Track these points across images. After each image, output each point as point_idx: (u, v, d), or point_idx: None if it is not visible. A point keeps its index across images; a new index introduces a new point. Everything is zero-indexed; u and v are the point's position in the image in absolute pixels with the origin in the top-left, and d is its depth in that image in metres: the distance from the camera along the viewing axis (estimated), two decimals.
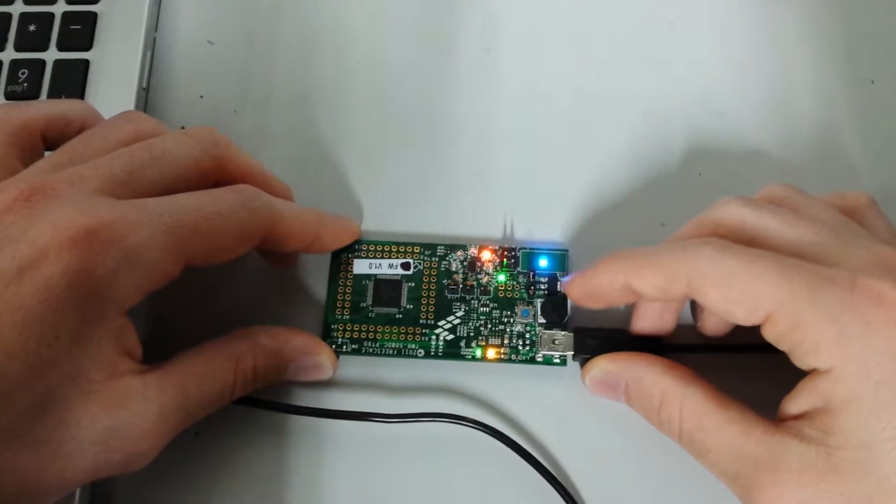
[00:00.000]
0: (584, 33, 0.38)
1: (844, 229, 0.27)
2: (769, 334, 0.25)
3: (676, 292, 0.26)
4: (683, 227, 0.29)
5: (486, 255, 0.33)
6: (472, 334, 0.32)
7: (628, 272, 0.27)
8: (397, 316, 0.32)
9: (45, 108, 0.30)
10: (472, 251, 0.33)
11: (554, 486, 0.29)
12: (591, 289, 0.29)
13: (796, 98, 0.37)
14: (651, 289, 0.27)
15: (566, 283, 0.30)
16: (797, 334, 0.24)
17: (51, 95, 0.36)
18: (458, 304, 0.32)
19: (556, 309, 0.31)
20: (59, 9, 0.38)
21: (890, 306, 0.23)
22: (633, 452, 0.31)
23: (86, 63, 0.37)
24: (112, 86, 0.37)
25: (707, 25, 0.38)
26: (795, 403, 0.25)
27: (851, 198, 0.30)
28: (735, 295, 0.25)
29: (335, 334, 0.32)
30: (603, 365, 0.29)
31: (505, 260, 0.33)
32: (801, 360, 0.24)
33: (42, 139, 0.30)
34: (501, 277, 0.32)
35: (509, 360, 0.31)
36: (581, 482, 0.30)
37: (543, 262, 0.32)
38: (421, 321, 0.32)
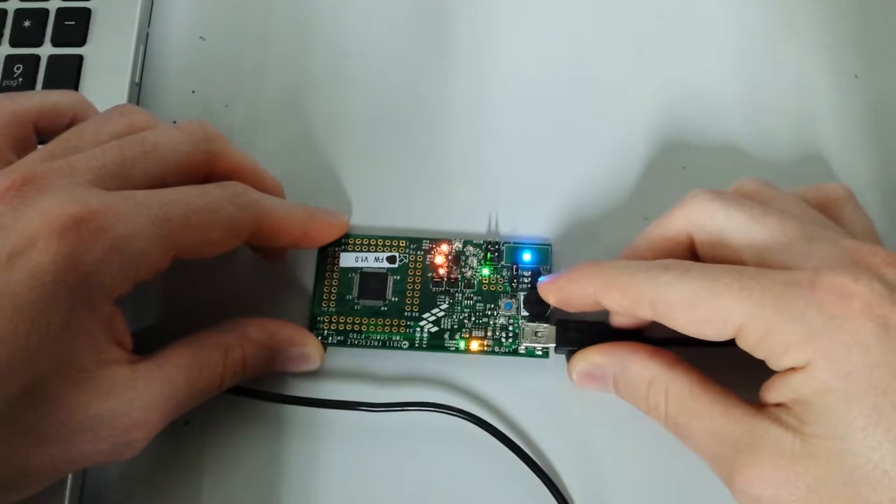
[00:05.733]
0: (573, 26, 0.39)
1: (812, 224, 0.27)
2: (743, 345, 0.25)
3: (643, 315, 0.27)
4: (654, 223, 0.30)
5: (471, 249, 0.33)
6: (456, 327, 0.32)
7: (597, 289, 0.28)
8: (382, 308, 0.32)
9: (37, 99, 0.30)
10: (457, 245, 0.33)
11: (536, 473, 0.30)
12: (562, 297, 0.30)
13: (780, 92, 0.37)
14: (619, 308, 0.28)
15: (539, 285, 0.31)
16: (768, 342, 0.24)
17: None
18: (443, 296, 0.33)
19: (539, 302, 0.31)
20: (53, 5, 0.38)
21: (852, 298, 0.23)
22: (615, 440, 0.31)
23: (79, 58, 0.37)
24: (105, 81, 0.37)
25: (694, 20, 0.39)
26: (772, 393, 0.25)
27: (828, 189, 0.30)
28: (701, 316, 0.25)
29: (321, 326, 0.32)
30: (589, 357, 0.30)
31: (489, 254, 0.33)
32: (777, 364, 0.25)
33: (34, 130, 0.30)
34: (485, 271, 0.33)
35: (492, 353, 0.32)
36: (563, 469, 0.31)
37: (527, 257, 0.33)
38: (406, 313, 0.32)
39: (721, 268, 0.26)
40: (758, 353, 0.25)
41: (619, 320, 0.30)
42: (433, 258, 0.33)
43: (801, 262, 0.25)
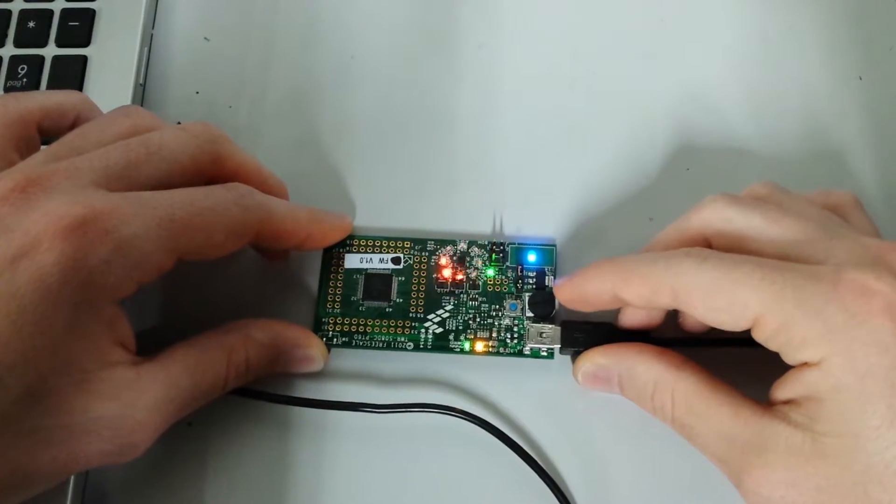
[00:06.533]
0: (576, 30, 0.39)
1: (830, 224, 0.27)
2: (758, 336, 0.25)
3: (662, 303, 0.27)
4: (670, 226, 0.30)
5: (476, 250, 0.33)
6: (460, 328, 0.32)
7: (615, 282, 0.28)
8: (387, 309, 0.32)
9: (40, 99, 0.30)
10: (462, 246, 0.33)
11: (539, 475, 0.30)
12: (579, 295, 0.30)
13: (784, 94, 0.37)
14: (638, 299, 0.28)
15: (556, 286, 0.31)
16: (784, 334, 0.24)
17: None
18: (448, 297, 0.32)
19: (544, 303, 0.31)
20: (58, 6, 0.38)
21: (873, 297, 0.23)
22: (620, 442, 0.31)
23: (84, 59, 0.37)
24: (109, 81, 0.37)
25: (697, 22, 0.39)
26: (784, 390, 0.25)
27: (836, 196, 0.30)
28: (720, 304, 0.25)
29: (326, 327, 0.32)
30: (594, 359, 0.30)
31: (494, 255, 0.33)
32: (792, 358, 0.25)
33: (38, 130, 0.30)
34: (490, 272, 0.33)
35: (497, 354, 0.32)
36: (566, 470, 0.31)
37: (532, 257, 0.33)
38: (410, 314, 0.32)
39: (743, 257, 0.25)
40: (772, 346, 0.25)
41: (627, 320, 0.30)
42: (438, 259, 0.33)
43: (822, 259, 0.25)
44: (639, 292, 0.27)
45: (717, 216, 0.28)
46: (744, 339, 0.26)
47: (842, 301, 0.23)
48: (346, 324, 0.32)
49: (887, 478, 0.23)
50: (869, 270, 0.24)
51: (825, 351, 0.24)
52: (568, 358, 0.32)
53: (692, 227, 0.29)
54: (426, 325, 0.32)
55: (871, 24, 0.38)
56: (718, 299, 0.25)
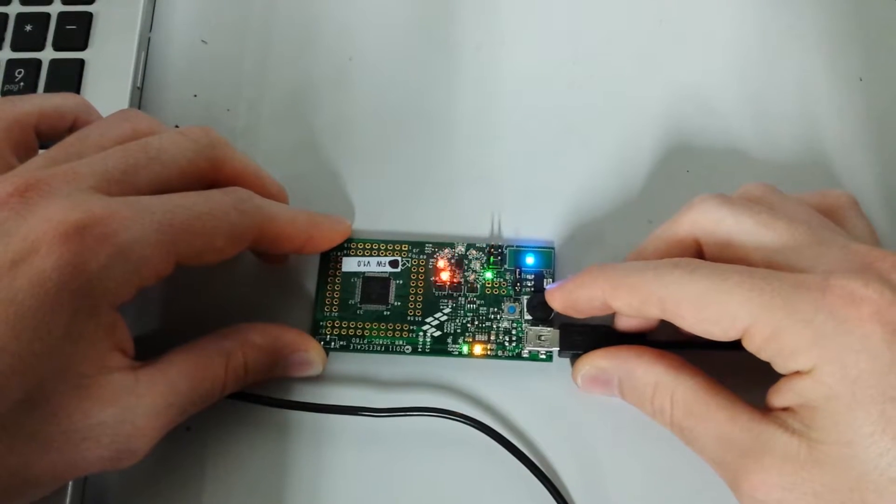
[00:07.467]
0: (574, 31, 0.39)
1: (820, 229, 0.27)
2: (749, 346, 0.25)
3: (651, 314, 0.27)
4: (661, 226, 0.30)
5: (474, 253, 0.33)
6: (459, 331, 0.32)
7: (605, 290, 0.28)
8: (385, 313, 0.32)
9: (38, 102, 0.30)
10: (460, 249, 0.33)
11: (538, 478, 0.30)
12: (570, 302, 0.30)
13: (784, 95, 0.37)
14: (627, 308, 0.28)
15: (547, 292, 0.31)
16: (775, 343, 0.24)
17: None
18: (446, 301, 0.32)
19: (543, 306, 0.31)
20: (55, 9, 0.38)
21: (862, 304, 0.23)
22: (619, 444, 0.31)
23: (81, 62, 0.37)
24: (107, 85, 0.37)
25: (695, 23, 0.39)
26: (778, 398, 0.25)
27: (833, 197, 0.30)
28: (709, 315, 0.25)
29: (324, 331, 0.32)
30: (594, 362, 0.30)
31: (492, 257, 0.33)
32: (783, 367, 0.25)
33: (36, 133, 0.30)
34: (488, 275, 0.33)
35: (496, 357, 0.32)
36: (566, 473, 0.31)
37: (530, 260, 0.33)
38: (409, 318, 0.32)
39: (731, 267, 0.25)
40: (763, 355, 0.25)
41: (624, 323, 0.30)
42: (436, 262, 0.33)
43: (810, 266, 0.25)
44: (628, 302, 0.27)
45: (708, 216, 0.28)
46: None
47: (831, 308, 0.23)
48: (344, 327, 0.32)
49: (883, 485, 0.23)
50: (857, 277, 0.24)
51: (816, 359, 0.24)
52: (566, 361, 0.32)
53: (682, 228, 0.29)
54: (424, 328, 0.32)
55: (872, 24, 0.38)
56: (707, 311, 0.25)
